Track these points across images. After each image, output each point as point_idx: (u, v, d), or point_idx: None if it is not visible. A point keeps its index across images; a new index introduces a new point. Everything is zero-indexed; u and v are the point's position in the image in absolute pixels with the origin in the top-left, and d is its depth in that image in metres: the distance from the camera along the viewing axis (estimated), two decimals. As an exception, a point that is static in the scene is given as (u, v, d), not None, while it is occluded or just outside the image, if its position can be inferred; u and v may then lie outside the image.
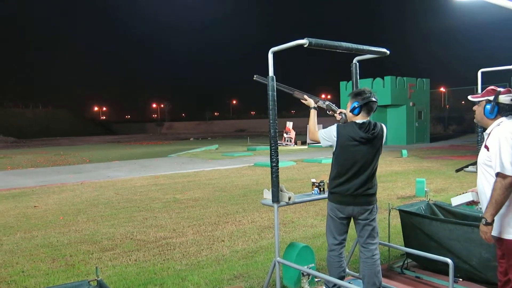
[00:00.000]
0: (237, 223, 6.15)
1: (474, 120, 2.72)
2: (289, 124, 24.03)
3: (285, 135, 24.13)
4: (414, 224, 4.00)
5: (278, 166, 3.37)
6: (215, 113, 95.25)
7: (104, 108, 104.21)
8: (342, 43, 3.30)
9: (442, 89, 38.52)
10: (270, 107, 3.35)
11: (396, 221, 4.72)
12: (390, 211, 4.21)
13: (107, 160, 17.57)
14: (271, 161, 3.37)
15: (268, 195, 3.50)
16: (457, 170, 4.39)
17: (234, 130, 61.42)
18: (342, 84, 23.53)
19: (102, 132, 68.81)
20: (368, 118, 3.16)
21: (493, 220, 2.41)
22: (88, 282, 2.39)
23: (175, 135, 51.56)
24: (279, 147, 23.01)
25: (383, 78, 21.81)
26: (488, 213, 2.41)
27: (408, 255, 3.99)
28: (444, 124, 34.94)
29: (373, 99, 3.11)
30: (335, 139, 3.15)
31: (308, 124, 3.50)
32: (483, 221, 2.42)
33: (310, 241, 5.06)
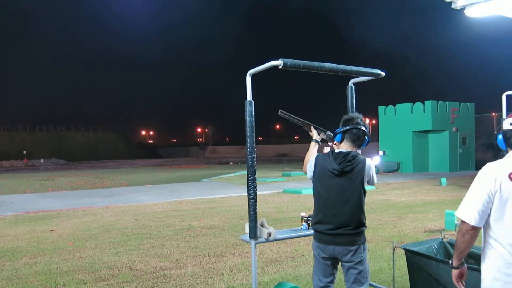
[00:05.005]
0: (244, 254, 5.83)
1: None
2: (326, 149, 23.43)
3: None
4: (421, 266, 3.54)
5: (256, 198, 3.09)
6: (259, 138, 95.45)
7: (151, 132, 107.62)
8: (324, 64, 3.02)
9: (493, 114, 36.58)
10: (248, 134, 3.11)
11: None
12: (394, 250, 3.78)
13: (143, 184, 17.79)
14: (248, 193, 3.10)
15: (248, 229, 3.21)
16: None
17: (275, 155, 61.05)
18: (381, 108, 22.77)
19: (148, 155, 70.76)
20: (354, 149, 2.85)
21: (459, 264, 2.13)
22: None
23: (217, 159, 52.04)
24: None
25: (423, 103, 20.89)
26: (454, 255, 2.16)
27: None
28: (494, 150, 32.95)
29: (359, 127, 2.80)
30: (313, 169, 2.88)
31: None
32: (450, 262, 2.17)
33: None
